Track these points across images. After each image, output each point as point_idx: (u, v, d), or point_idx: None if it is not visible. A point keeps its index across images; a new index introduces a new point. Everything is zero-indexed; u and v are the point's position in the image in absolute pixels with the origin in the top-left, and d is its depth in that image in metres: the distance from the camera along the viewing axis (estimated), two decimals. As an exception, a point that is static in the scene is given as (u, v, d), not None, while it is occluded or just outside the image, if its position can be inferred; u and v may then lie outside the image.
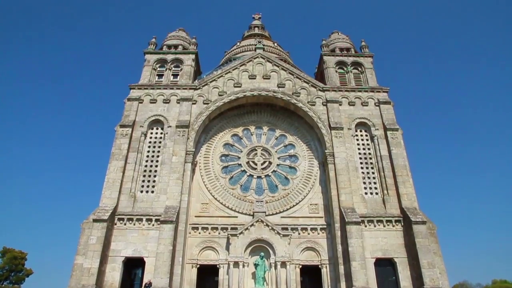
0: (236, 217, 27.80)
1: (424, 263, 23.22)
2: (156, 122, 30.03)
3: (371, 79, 33.08)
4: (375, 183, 27.88)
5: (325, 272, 25.69)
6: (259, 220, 26.49)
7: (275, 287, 24.41)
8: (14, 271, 47.76)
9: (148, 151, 28.82)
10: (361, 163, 28.71)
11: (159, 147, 28.93)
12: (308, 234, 27.02)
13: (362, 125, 30.41)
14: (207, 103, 30.85)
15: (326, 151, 28.63)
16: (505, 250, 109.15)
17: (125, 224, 25.22)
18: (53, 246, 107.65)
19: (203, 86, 31.87)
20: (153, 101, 30.78)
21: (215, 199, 28.51)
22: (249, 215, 27.66)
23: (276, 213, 27.94)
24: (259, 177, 29.84)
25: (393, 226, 25.72)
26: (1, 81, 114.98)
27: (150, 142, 29.27)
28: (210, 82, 32.15)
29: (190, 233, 26.84)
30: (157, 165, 28.02)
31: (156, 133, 29.73)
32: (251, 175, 29.88)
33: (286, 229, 26.68)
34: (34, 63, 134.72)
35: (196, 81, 33.19)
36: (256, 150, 31.02)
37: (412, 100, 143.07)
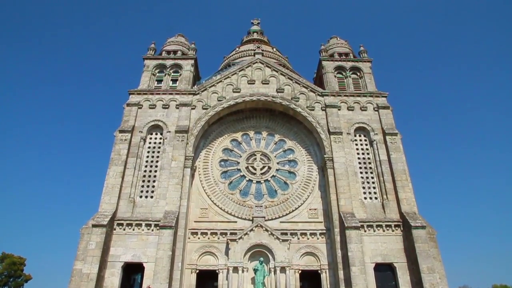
0: (236, 222, 27.76)
1: (424, 268, 23.17)
2: (155, 127, 30.08)
3: (370, 84, 33.16)
4: (374, 188, 27.88)
5: (325, 277, 25.61)
6: (259, 225, 26.46)
7: (275, 292, 24.35)
8: (13, 276, 47.55)
9: (147, 156, 28.83)
10: (360, 168, 28.72)
11: (158, 152, 28.95)
12: (308, 239, 26.99)
13: (361, 130, 30.46)
14: (206, 108, 30.91)
15: (325, 156, 28.65)
16: (505, 255, 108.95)
17: (124, 229, 25.18)
18: (52, 251, 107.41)
19: (202, 91, 31.96)
20: (152, 107, 30.84)
21: (215, 204, 28.49)
22: (249, 220, 27.64)
23: (276, 218, 27.91)
24: (258, 182, 29.84)
25: (393, 231, 25.69)
26: (0, 85, 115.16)
27: (149, 147, 29.29)
28: (209, 87, 32.24)
29: (189, 238, 26.79)
30: (156, 170, 28.02)
31: (155, 138, 29.75)
32: (250, 180, 29.88)
33: (286, 234, 26.65)
34: (33, 69, 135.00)
35: (195, 86, 33.30)
36: (255, 155, 31.05)
37: (411, 105, 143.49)
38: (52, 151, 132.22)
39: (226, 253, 25.94)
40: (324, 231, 27.27)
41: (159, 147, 29.17)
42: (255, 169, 30.35)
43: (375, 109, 31.22)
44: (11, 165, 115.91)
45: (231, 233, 26.63)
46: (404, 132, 29.75)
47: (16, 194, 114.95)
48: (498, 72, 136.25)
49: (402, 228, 25.64)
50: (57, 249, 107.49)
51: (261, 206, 28.02)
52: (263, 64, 34.22)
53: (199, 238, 26.90)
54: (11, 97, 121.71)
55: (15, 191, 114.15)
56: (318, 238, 27.05)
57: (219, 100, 31.46)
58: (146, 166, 28.35)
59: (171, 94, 31.65)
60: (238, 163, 30.67)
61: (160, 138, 29.60)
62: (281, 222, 27.78)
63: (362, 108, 31.30)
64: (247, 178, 29.94)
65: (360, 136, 30.32)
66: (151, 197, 26.93)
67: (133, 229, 25.19)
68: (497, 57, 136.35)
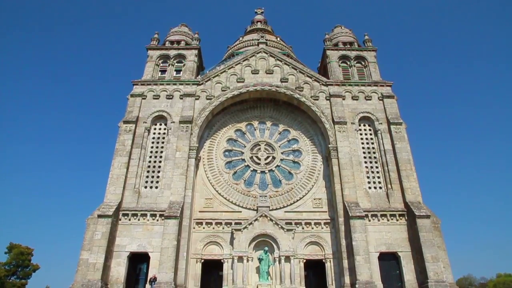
0: (240, 212, 27.89)
1: (428, 257, 23.21)
2: (160, 118, 30.08)
3: (375, 73, 32.90)
4: (378, 177, 27.82)
5: (329, 267, 25.76)
6: (263, 214, 26.54)
7: (279, 281, 24.52)
8: (21, 266, 48.16)
9: (152, 147, 28.90)
10: (364, 157, 28.64)
11: (163, 142, 29.00)
12: (312, 228, 27.07)
13: (366, 120, 30.30)
14: (210, 99, 30.84)
15: (329, 145, 28.58)
16: (510, 244, 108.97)
17: (129, 220, 25.38)
18: (59, 241, 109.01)
19: (206, 81, 31.85)
20: (156, 97, 30.81)
21: (219, 194, 28.59)
22: (253, 210, 27.74)
23: (280, 208, 27.99)
24: (262, 172, 29.86)
25: (397, 220, 25.71)
26: (6, 78, 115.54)
27: (153, 138, 29.34)
28: (213, 77, 32.12)
29: (194, 228, 26.96)
30: (161, 161, 28.11)
31: (160, 128, 29.79)
32: (254, 170, 29.90)
33: (290, 223, 26.73)
34: (37, 60, 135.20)
35: (199, 76, 33.16)
36: (259, 145, 31.02)
37: (416, 94, 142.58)
38: (57, 143, 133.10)
39: (231, 243, 26.10)
40: (329, 221, 27.33)
41: (164, 138, 29.21)
42: (259, 159, 30.35)
43: (380, 98, 31.00)
44: (18, 157, 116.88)
45: (235, 223, 26.76)
46: (408, 122, 29.60)
47: (22, 185, 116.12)
48: (504, 63, 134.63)
49: (406, 218, 25.65)
50: (63, 239, 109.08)
51: (266, 196, 28.09)
52: (267, 53, 33.99)
53: (204, 228, 27.06)
54: (16, 90, 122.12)
55: (21, 183, 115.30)
56: (322, 228, 27.14)
57: (223, 90, 31.35)
58: (150, 157, 28.44)
59: (175, 84, 31.58)
60: (243, 153, 30.67)
61: (165, 129, 29.62)
62: (285, 211, 27.86)
63: (367, 98, 31.09)
64: (251, 168, 29.96)
65: (364, 125, 30.18)
66: (156, 187, 27.06)
67: (139, 219, 25.38)
68: (506, 48, 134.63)
